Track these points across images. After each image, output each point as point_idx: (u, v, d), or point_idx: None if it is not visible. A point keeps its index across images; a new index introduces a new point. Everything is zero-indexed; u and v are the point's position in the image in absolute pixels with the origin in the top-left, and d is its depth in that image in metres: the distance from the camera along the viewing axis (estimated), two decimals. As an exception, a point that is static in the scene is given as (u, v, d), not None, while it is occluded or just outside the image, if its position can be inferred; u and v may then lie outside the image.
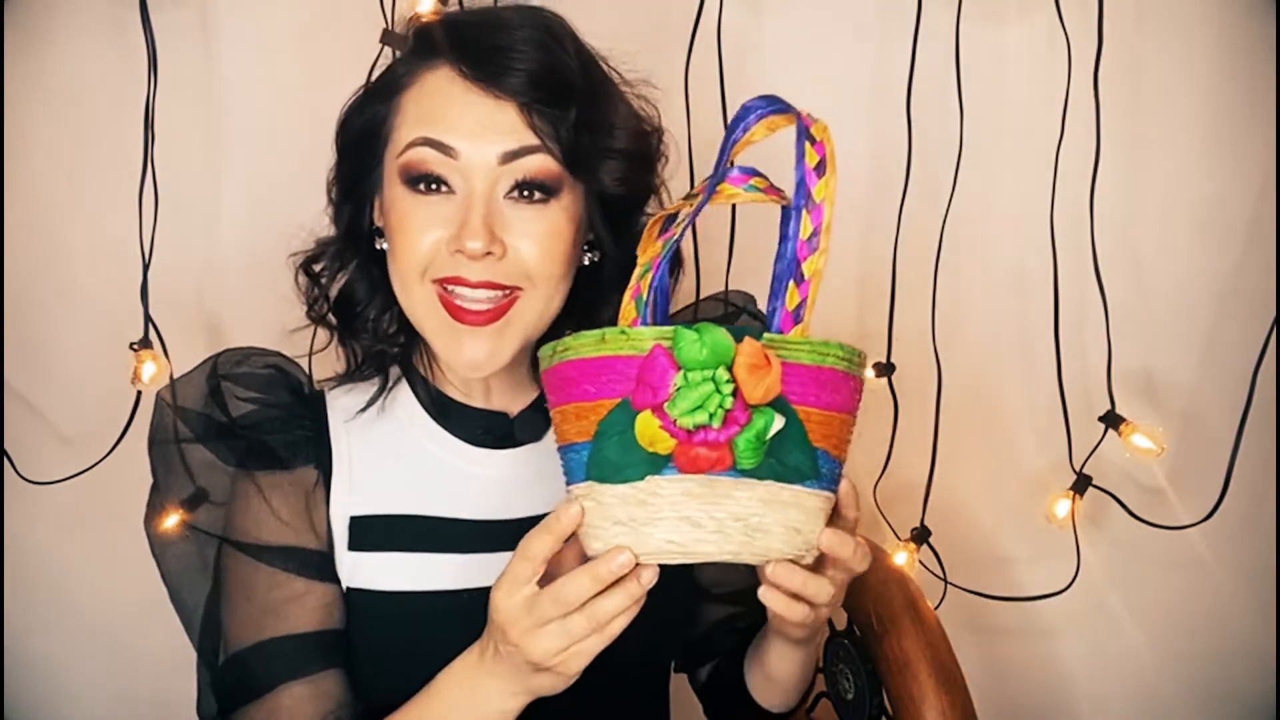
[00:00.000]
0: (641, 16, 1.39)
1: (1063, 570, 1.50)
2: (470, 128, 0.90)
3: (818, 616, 0.85)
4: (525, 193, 0.91)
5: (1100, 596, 1.59)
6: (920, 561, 1.49)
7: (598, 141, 0.93)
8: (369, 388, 1.02)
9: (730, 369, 0.73)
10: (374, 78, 0.99)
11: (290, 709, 0.93)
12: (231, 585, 0.97)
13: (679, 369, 0.73)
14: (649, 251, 0.87)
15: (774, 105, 0.82)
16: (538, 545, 0.80)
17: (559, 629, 0.79)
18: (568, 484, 0.82)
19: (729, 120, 1.37)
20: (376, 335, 1.01)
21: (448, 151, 0.90)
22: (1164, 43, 1.48)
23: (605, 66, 0.97)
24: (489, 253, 0.89)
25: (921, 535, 1.49)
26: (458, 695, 0.87)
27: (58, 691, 1.52)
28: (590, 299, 0.99)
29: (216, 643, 0.98)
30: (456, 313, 0.91)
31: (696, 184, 1.39)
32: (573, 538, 0.81)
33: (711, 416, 0.72)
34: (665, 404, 0.73)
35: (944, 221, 1.44)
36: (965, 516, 1.58)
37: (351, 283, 1.01)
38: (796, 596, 0.82)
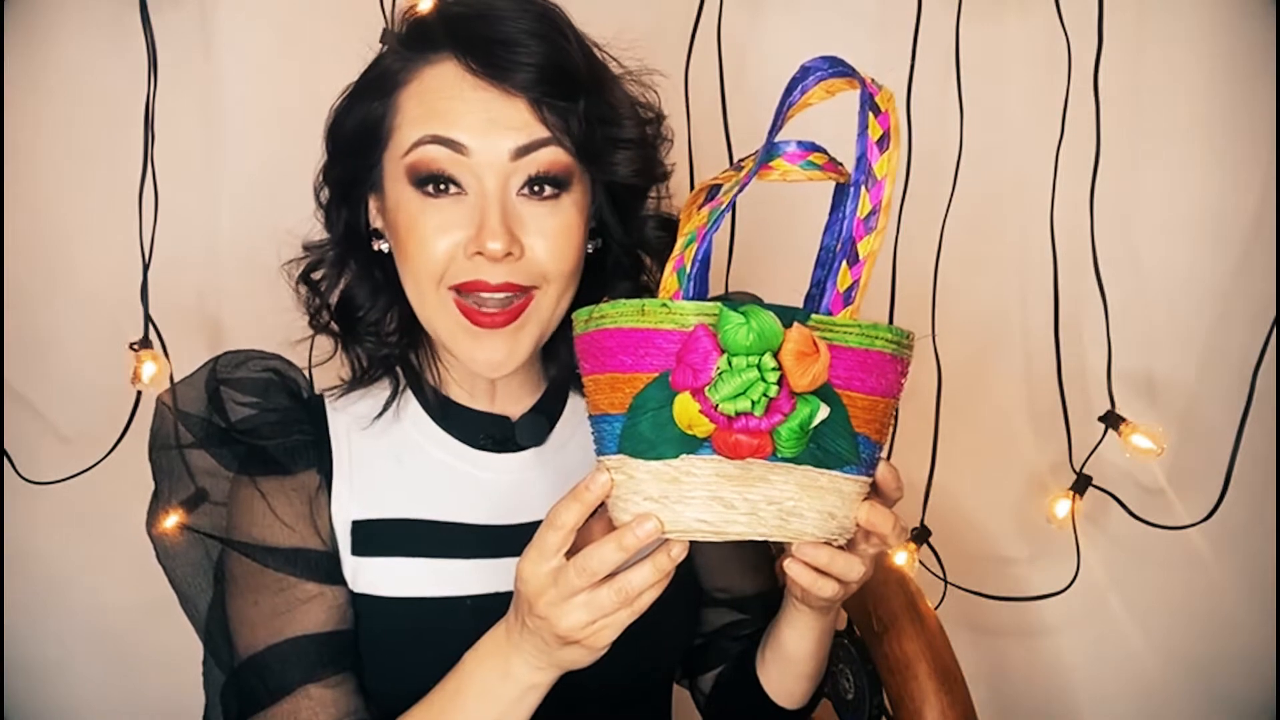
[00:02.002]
0: (641, 16, 1.39)
1: (1063, 570, 1.50)
2: (480, 124, 0.88)
3: (846, 590, 0.84)
4: (537, 189, 0.90)
5: (1100, 596, 1.59)
6: (920, 561, 1.49)
7: (607, 132, 0.92)
8: (379, 392, 1.01)
9: (776, 355, 0.70)
10: (363, 74, 0.96)
11: (311, 710, 0.92)
12: (241, 589, 0.96)
13: (722, 352, 0.69)
14: (693, 221, 0.82)
15: (836, 67, 0.76)
16: (566, 514, 0.78)
17: (587, 601, 0.78)
18: (598, 454, 0.80)
19: (728, 120, 1.40)
20: (380, 339, 1.00)
21: (459, 149, 0.88)
22: (1164, 43, 1.48)
23: (602, 55, 0.96)
24: (509, 254, 0.88)
25: (921, 535, 1.48)
26: (486, 672, 0.86)
27: (58, 692, 1.52)
28: (594, 287, 0.97)
29: (229, 647, 0.97)
30: (473, 316, 0.90)
31: (697, 183, 1.40)
32: (602, 510, 0.80)
33: (754, 404, 0.69)
34: (706, 388, 0.70)
35: (944, 221, 1.44)
36: (965, 516, 1.58)
37: (351, 288, 1.00)
38: (823, 572, 0.81)
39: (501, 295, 0.90)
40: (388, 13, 1.30)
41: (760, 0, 1.46)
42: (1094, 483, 1.49)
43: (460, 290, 0.90)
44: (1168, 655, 1.61)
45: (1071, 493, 1.49)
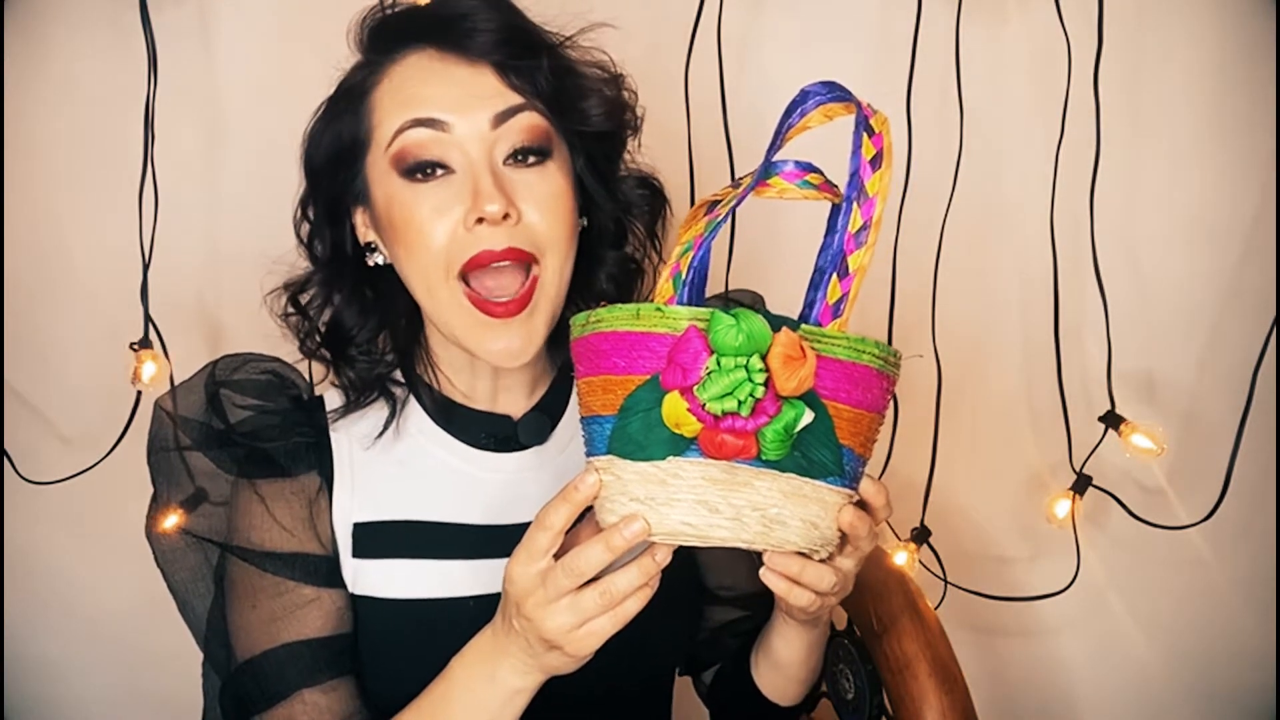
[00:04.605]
0: (641, 16, 1.39)
1: (1063, 570, 1.50)
2: (455, 98, 0.90)
3: (823, 603, 0.85)
4: (521, 157, 0.91)
5: (1100, 596, 1.59)
6: (920, 561, 1.49)
7: (574, 81, 0.93)
8: (378, 410, 1.00)
9: (764, 358, 0.71)
10: (331, 95, 0.97)
11: (307, 715, 0.92)
12: (239, 593, 0.96)
13: (712, 353, 0.71)
14: (691, 231, 0.85)
15: (834, 92, 0.80)
16: (555, 515, 0.79)
17: (571, 604, 0.79)
18: (588, 455, 0.81)
19: (728, 120, 1.40)
20: (373, 359, 1.00)
21: (440, 126, 0.89)
22: (1164, 43, 1.48)
23: (551, 32, 0.97)
24: (506, 215, 0.88)
25: (921, 535, 1.49)
26: (473, 677, 0.86)
27: (58, 691, 1.52)
28: (585, 262, 0.98)
29: (227, 651, 0.97)
30: (486, 308, 0.90)
31: (697, 181, 1.40)
32: (589, 513, 0.81)
33: (741, 404, 0.71)
34: (695, 387, 0.71)
35: (944, 221, 1.44)
36: (965, 516, 1.58)
37: (340, 310, 0.99)
38: (798, 582, 0.81)
39: (506, 279, 0.90)
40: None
41: (760, 0, 1.46)
42: (1094, 483, 1.49)
43: (468, 274, 0.90)
44: (1168, 655, 1.61)
45: (1071, 493, 1.49)
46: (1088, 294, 1.47)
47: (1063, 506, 1.49)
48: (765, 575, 0.81)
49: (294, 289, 1.00)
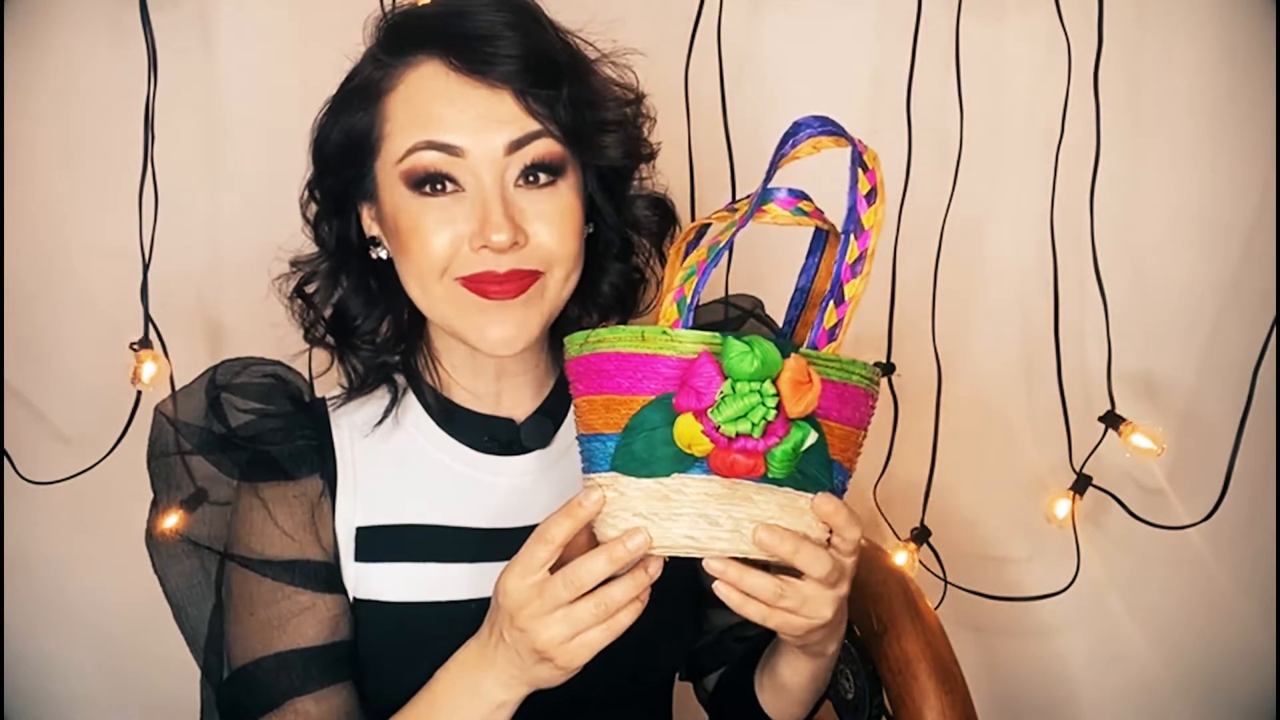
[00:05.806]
0: (641, 17, 1.39)
1: (1063, 570, 1.50)
2: (471, 122, 0.89)
3: (807, 624, 0.83)
4: (532, 178, 0.90)
5: (1100, 596, 1.59)
6: (920, 561, 1.49)
7: (593, 115, 0.92)
8: (379, 399, 1.00)
9: (774, 381, 0.75)
10: (343, 85, 0.96)
11: None
12: (236, 600, 0.96)
13: (725, 377, 0.74)
14: (693, 256, 0.87)
15: (826, 126, 0.83)
16: (556, 530, 0.79)
17: (565, 615, 0.79)
18: (586, 472, 0.82)
19: (727, 120, 1.40)
20: (377, 347, 1.00)
21: (453, 151, 0.88)
22: (1164, 43, 1.48)
23: (576, 41, 0.96)
24: (514, 243, 0.88)
25: (921, 535, 1.49)
26: (457, 691, 0.86)
27: (57, 691, 1.52)
28: (589, 269, 0.97)
29: (221, 659, 0.97)
30: (483, 291, 0.90)
31: (697, 181, 1.40)
32: (586, 527, 0.81)
33: (754, 427, 0.74)
34: (709, 409, 0.75)
35: (944, 221, 1.44)
36: (965, 516, 1.58)
37: (346, 299, 0.99)
38: (739, 588, 0.80)
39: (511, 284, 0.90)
40: (388, 14, 1.30)
41: (760, 0, 1.46)
42: (1094, 483, 1.49)
43: (466, 280, 0.90)
44: (1168, 655, 1.61)
45: (1071, 493, 1.49)
46: (1088, 294, 1.47)
47: (1063, 506, 1.49)
48: (718, 589, 0.80)
49: (301, 278, 0.99)
